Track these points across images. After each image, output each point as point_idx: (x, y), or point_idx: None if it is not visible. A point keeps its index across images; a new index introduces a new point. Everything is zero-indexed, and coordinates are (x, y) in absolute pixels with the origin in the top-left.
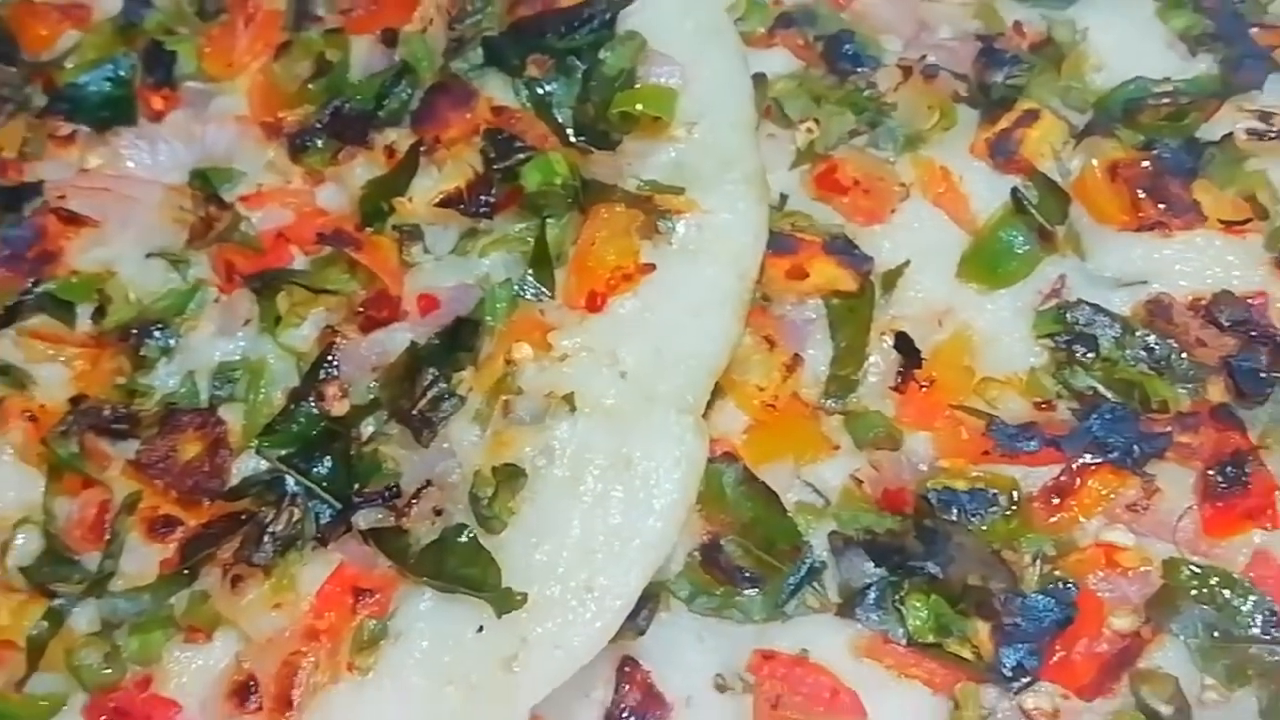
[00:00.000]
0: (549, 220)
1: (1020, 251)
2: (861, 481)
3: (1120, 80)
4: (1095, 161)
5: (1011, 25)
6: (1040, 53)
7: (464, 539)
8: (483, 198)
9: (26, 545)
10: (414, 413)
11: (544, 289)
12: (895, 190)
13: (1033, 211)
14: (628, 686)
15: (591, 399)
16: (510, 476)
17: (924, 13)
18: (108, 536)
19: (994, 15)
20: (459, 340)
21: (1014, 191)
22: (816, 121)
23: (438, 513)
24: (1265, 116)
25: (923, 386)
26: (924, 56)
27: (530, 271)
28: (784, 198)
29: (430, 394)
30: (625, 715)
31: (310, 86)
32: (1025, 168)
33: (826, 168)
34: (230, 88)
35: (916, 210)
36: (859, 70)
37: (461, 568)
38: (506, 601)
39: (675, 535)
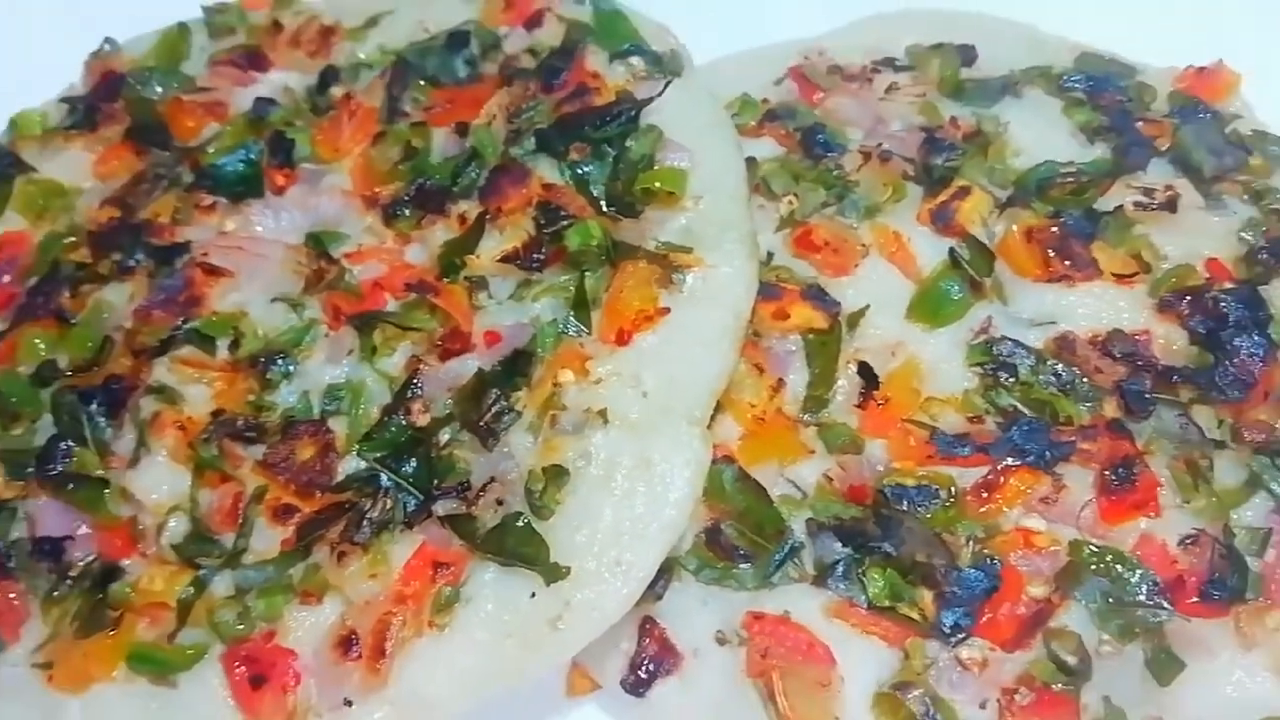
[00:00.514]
0: (587, 273)
1: (956, 298)
2: (832, 479)
3: (1034, 163)
4: (1015, 227)
5: (949, 120)
6: (971, 141)
7: (520, 524)
8: (535, 255)
9: (176, 528)
10: (481, 424)
11: (583, 327)
12: (857, 250)
13: (966, 266)
14: (647, 640)
15: (620, 414)
16: (557, 475)
17: (879, 109)
18: (240, 521)
19: (934, 112)
20: (516, 367)
21: (951, 251)
22: (796, 195)
23: (499, 503)
24: (1148, 192)
25: (879, 404)
26: (880, 144)
27: (572, 313)
28: (770, 255)
29: (494, 409)
30: (646, 662)
31: (400, 167)
32: (959, 232)
33: (803, 232)
34: (337, 168)
35: (874, 265)
36: (829, 155)
37: (519, 547)
38: (554, 573)
39: (686, 521)
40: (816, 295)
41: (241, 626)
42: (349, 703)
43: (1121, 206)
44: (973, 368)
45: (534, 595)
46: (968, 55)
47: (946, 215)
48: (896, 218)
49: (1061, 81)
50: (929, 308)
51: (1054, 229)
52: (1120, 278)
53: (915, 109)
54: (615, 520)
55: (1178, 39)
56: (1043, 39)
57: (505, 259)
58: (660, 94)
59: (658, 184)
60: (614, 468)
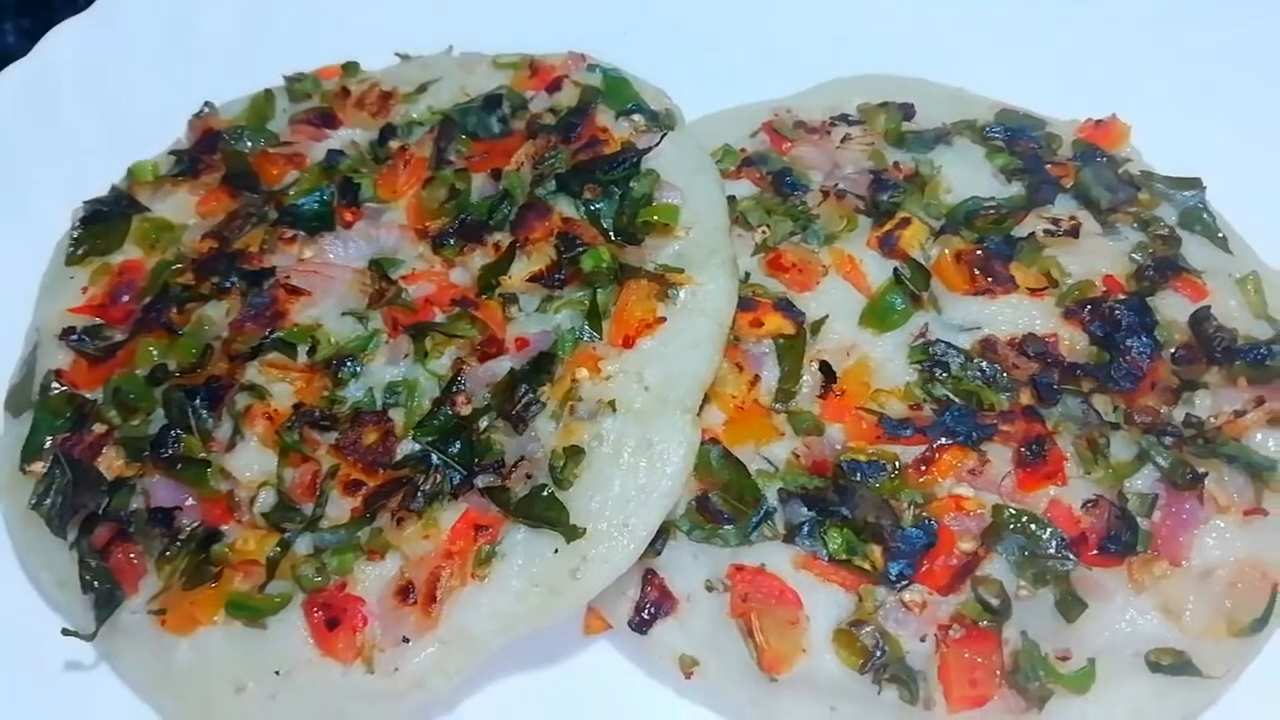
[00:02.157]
0: (598, 290)
1: (899, 309)
2: (799, 456)
3: (962, 199)
4: (947, 251)
5: (892, 164)
6: (911, 181)
7: (545, 494)
8: (556, 276)
9: (266, 499)
10: (513, 413)
11: (595, 333)
12: (819, 270)
13: (907, 283)
14: (649, 588)
15: (625, 403)
16: (575, 453)
17: (836, 156)
18: (318, 493)
19: (881, 157)
20: (542, 367)
21: (895, 270)
22: (768, 226)
23: (528, 477)
24: (1055, 221)
25: (837, 395)
26: (836, 184)
27: (586, 322)
28: (748, 274)
29: (524, 401)
30: (648, 606)
31: (446, 205)
32: (901, 255)
33: (774, 256)
34: (394, 206)
35: (832, 283)
36: (795, 193)
37: (544, 512)
38: (573, 533)
39: (680, 491)
40: (785, 307)
41: (319, 579)
42: (406, 640)
43: (1034, 233)
44: (913, 365)
45: (557, 551)
46: (908, 111)
47: (891, 241)
48: (850, 244)
49: (985, 132)
50: (877, 317)
51: (979, 252)
52: (1033, 291)
53: (865, 155)
54: (623, 490)
55: (1078, 97)
56: (968, 98)
57: (532, 279)
58: (657, 144)
59: (655, 217)
60: (621, 447)
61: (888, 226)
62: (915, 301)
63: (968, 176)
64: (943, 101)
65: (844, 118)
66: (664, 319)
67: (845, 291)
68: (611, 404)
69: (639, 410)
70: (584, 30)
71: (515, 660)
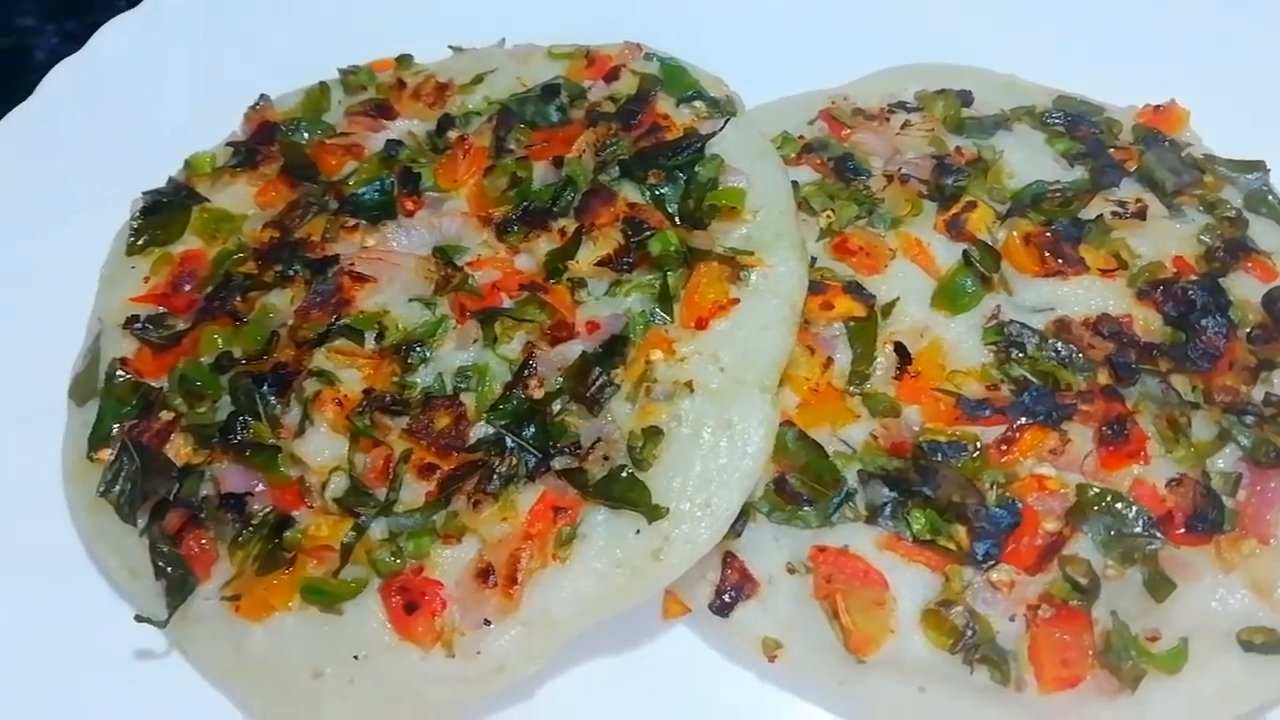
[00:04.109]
0: (668, 273)
1: (970, 291)
2: (877, 438)
3: (1025, 183)
4: (1015, 233)
5: (954, 149)
6: (973, 166)
7: (624, 475)
8: (625, 260)
9: (338, 484)
10: (587, 396)
11: (666, 316)
12: (886, 253)
13: (977, 265)
14: (729, 570)
15: (702, 384)
16: (653, 434)
17: (896, 142)
18: (391, 478)
19: (941, 143)
20: (614, 349)
21: (964, 253)
22: (832, 211)
23: (605, 458)
24: (1122, 204)
25: (912, 377)
26: (900, 169)
27: (657, 305)
28: (814, 259)
29: (598, 383)
30: (729, 589)
31: (508, 193)
32: (969, 238)
33: (840, 240)
34: (455, 195)
35: (901, 266)
36: (858, 179)
37: (624, 493)
38: (655, 513)
39: (761, 472)
40: (855, 290)
41: (396, 563)
42: (488, 622)
43: (1101, 216)
44: (988, 346)
45: (638, 532)
46: (966, 98)
47: (959, 225)
48: (916, 227)
49: (1044, 118)
50: (948, 298)
51: (1047, 234)
52: (1104, 272)
53: (926, 141)
54: (703, 470)
55: (1133, 84)
56: (1023, 85)
57: (600, 263)
58: (721, 129)
59: (723, 201)
60: (700, 428)
61: (954, 210)
62: (985, 284)
63: (1029, 161)
64: (998, 88)
65: (902, 105)
66: (737, 300)
67: (914, 274)
68: (689, 385)
69: (716, 391)
70: (633, 21)
71: (592, 646)
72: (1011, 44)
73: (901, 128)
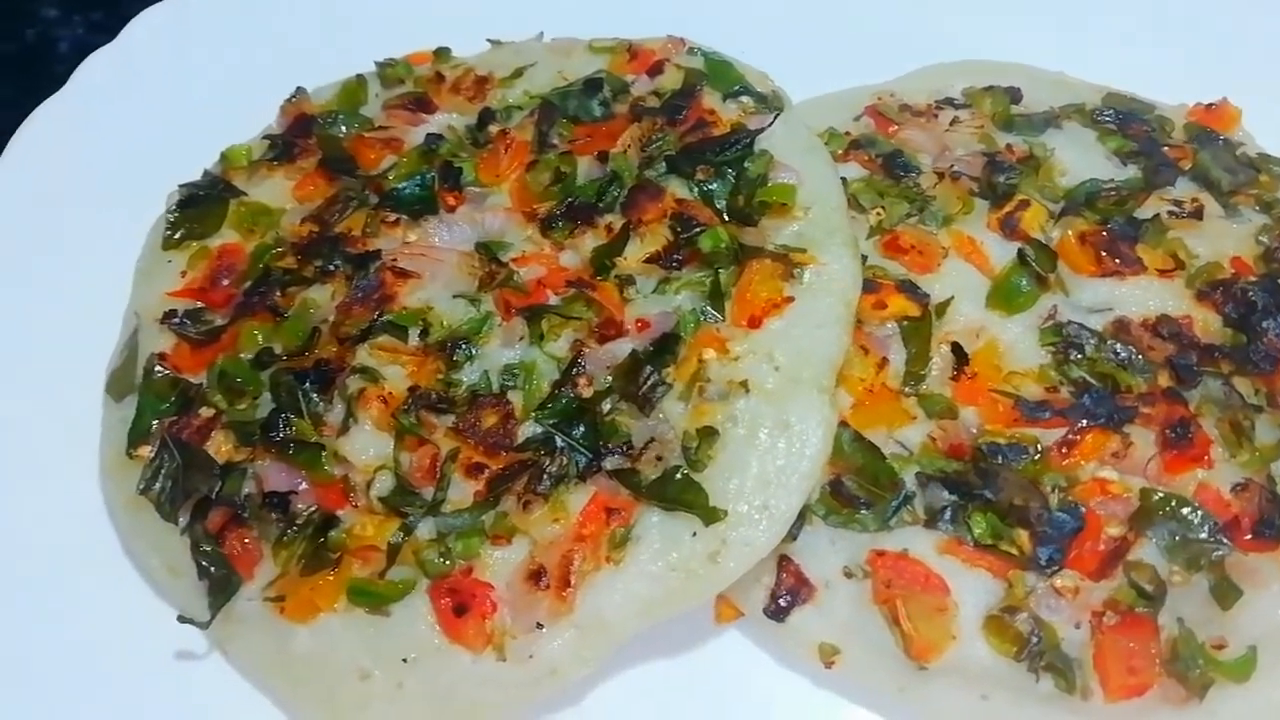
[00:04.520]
0: (719, 270)
1: (1026, 290)
2: (935, 439)
3: (1077, 181)
4: (1070, 232)
5: (1005, 146)
6: (1025, 164)
7: (679, 476)
8: (674, 257)
9: (383, 483)
10: (639, 395)
11: (718, 314)
12: (939, 251)
13: (1033, 264)
14: (785, 574)
15: (757, 384)
16: (708, 434)
17: (945, 139)
18: (439, 477)
19: (991, 140)
20: (665, 348)
21: (1020, 251)
22: (883, 209)
23: (659, 459)
24: (1178, 203)
25: (969, 377)
26: (952, 166)
27: (709, 303)
28: (864, 257)
29: (650, 382)
30: (785, 593)
31: (551, 189)
32: (1023, 236)
33: (891, 237)
34: (497, 190)
35: (954, 265)
36: (908, 176)
37: (680, 494)
38: (713, 516)
39: (820, 473)
40: (909, 288)
41: (444, 564)
42: (540, 626)
43: (1157, 215)
44: (1045, 347)
45: (695, 534)
46: (1014, 95)
47: (1012, 223)
48: (968, 226)
49: (1094, 115)
50: (1004, 298)
51: (1103, 233)
52: (1162, 272)
53: (975, 138)
54: (761, 471)
55: (1178, 82)
56: (1070, 82)
57: (649, 260)
58: (770, 125)
59: (773, 198)
60: (757, 428)
61: (1007, 208)
62: (1041, 283)
63: (1081, 159)
64: (1045, 86)
65: (949, 101)
66: (791, 298)
67: (968, 273)
68: (744, 384)
69: (771, 390)
70: (671, 15)
71: (642, 649)
72: (1055, 41)
73: (950, 124)
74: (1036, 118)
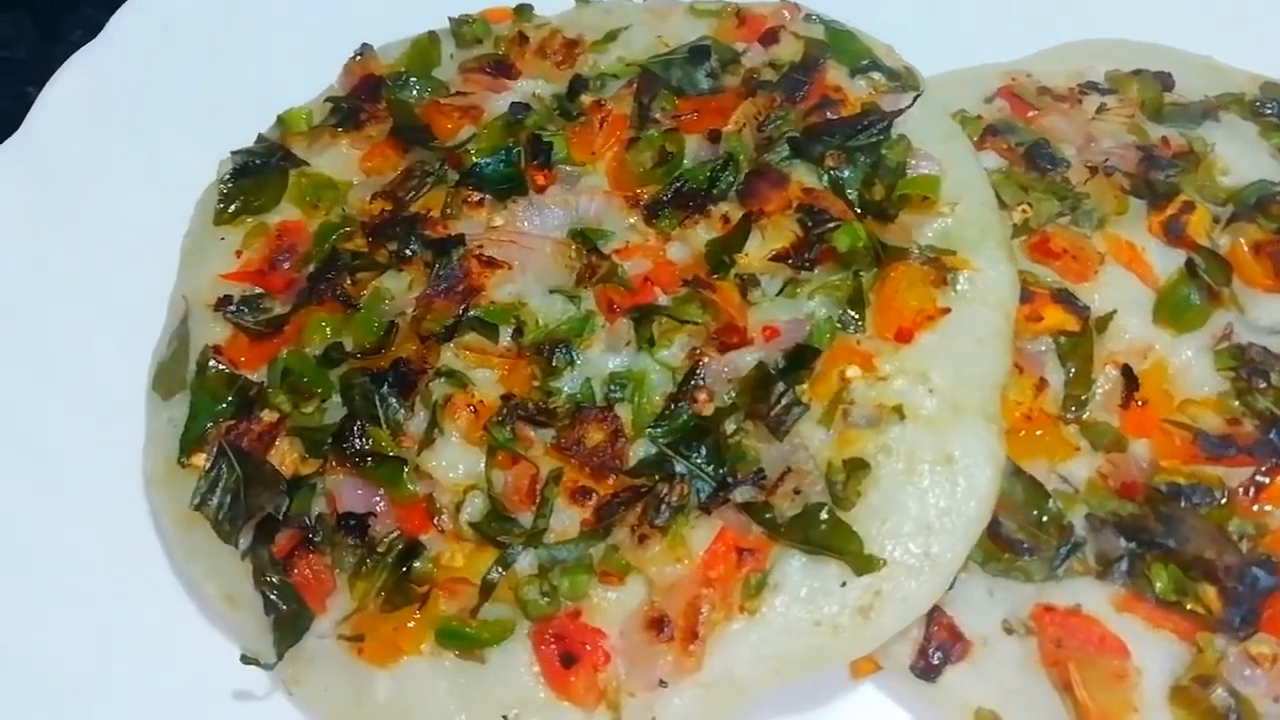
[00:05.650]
0: (859, 273)
1: (1195, 306)
2: (1104, 476)
3: (1242, 181)
4: (1242, 241)
5: (1159, 139)
6: (1184, 160)
7: (825, 514)
8: (806, 256)
9: (475, 506)
10: (770, 415)
11: (860, 324)
12: (1095, 257)
13: (1204, 276)
14: (936, 627)
15: (913, 409)
16: (857, 467)
17: (1091, 129)
18: (539, 501)
19: (1142, 131)
20: (800, 362)
21: (1189, 261)
22: (1029, 205)
23: (796, 492)
24: None
25: (1139, 405)
26: (1106, 160)
27: (846, 311)
28: None
29: (783, 402)
30: (936, 649)
31: (655, 170)
32: (1190, 244)
33: (1040, 239)
34: (593, 170)
35: (1114, 273)
36: (1055, 169)
37: (827, 537)
38: (868, 564)
39: (989, 515)
40: (1066, 299)
41: (548, 604)
42: (663, 684)
43: None
44: (1222, 372)
45: (844, 585)
46: (1166, 81)
47: (1177, 227)
48: (1125, 229)
49: (1254, 107)
50: (1171, 314)
51: None
52: None
53: (1124, 129)
54: (920, 513)
55: None
56: (1222, 69)
57: (776, 258)
58: (910, 106)
59: (915, 190)
60: (916, 462)
61: (1170, 210)
62: (1213, 298)
63: (1244, 156)
64: (1195, 71)
65: (1093, 85)
66: (948, 310)
67: (1129, 283)
68: (898, 409)
69: (929, 418)
70: None
71: (764, 701)
72: (1196, 18)
73: (1097, 111)
74: (1192, 108)
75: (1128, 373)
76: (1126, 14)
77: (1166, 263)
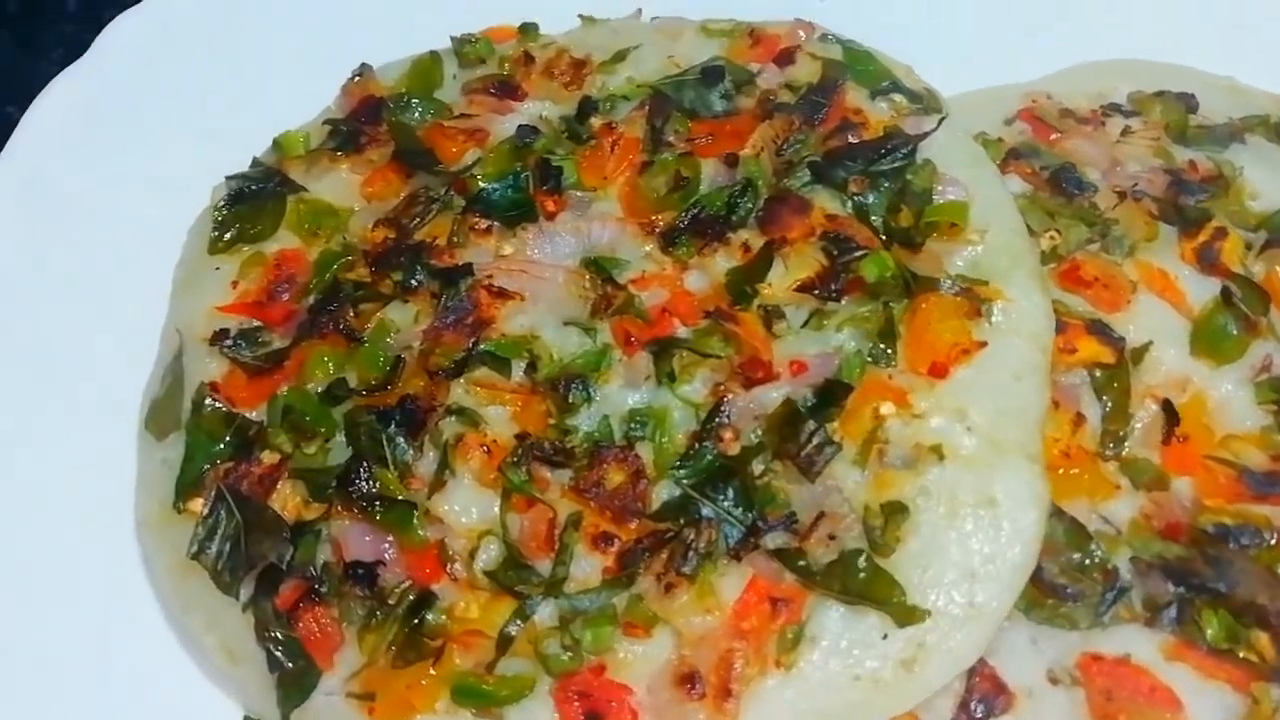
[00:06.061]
0: (890, 304)
1: (1234, 336)
2: (1148, 516)
3: (1271, 206)
4: (1278, 268)
5: (1187, 163)
6: (1213, 184)
7: (863, 562)
8: (832, 286)
9: (490, 553)
10: (800, 455)
11: (891, 358)
12: (1127, 285)
13: (1240, 305)
14: (977, 679)
15: (951, 449)
16: (896, 511)
17: (1115, 152)
18: (557, 547)
19: (1168, 155)
20: (830, 398)
21: (1224, 290)
22: (1057, 232)
23: (831, 538)
24: None
25: (1180, 440)
26: (1135, 184)
27: (877, 344)
28: None
29: (814, 440)
30: (978, 701)
31: (670, 196)
32: (1223, 271)
33: (1069, 266)
34: (605, 195)
35: (1147, 302)
36: (1082, 194)
37: (867, 586)
38: (910, 616)
39: (1034, 561)
40: (1101, 330)
41: (569, 659)
42: None
43: None
44: (1264, 405)
45: (885, 637)
46: (1190, 103)
47: (1211, 255)
48: (1157, 255)
49: None
50: (1209, 344)
51: None
52: None
53: (1150, 152)
54: (963, 560)
55: None
56: (1244, 90)
57: (801, 288)
58: (935, 130)
59: (943, 217)
60: (957, 505)
61: (1202, 236)
62: (1251, 328)
63: (1271, 179)
64: (1217, 93)
65: (1116, 107)
66: (984, 343)
67: (1163, 313)
68: (937, 449)
69: (969, 458)
70: None
71: None
72: (1214, 39)
73: (1122, 134)
74: (1218, 130)
75: (1168, 407)
76: (1141, 34)
77: (1200, 291)
